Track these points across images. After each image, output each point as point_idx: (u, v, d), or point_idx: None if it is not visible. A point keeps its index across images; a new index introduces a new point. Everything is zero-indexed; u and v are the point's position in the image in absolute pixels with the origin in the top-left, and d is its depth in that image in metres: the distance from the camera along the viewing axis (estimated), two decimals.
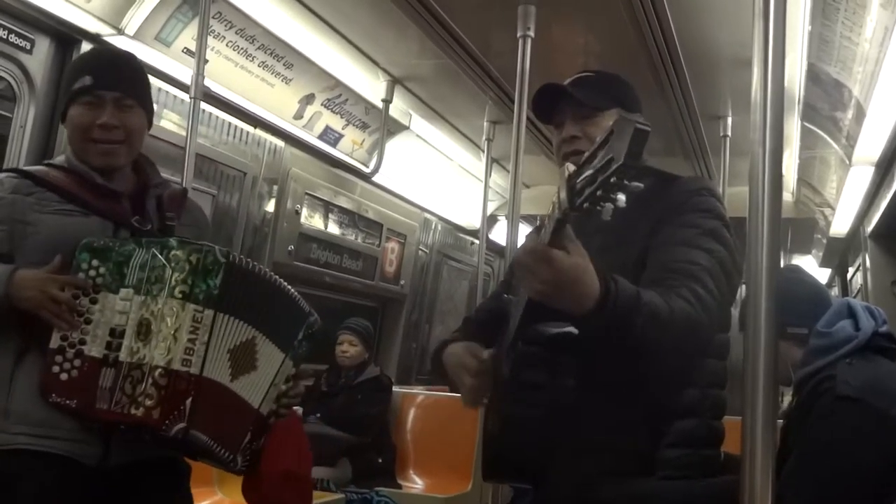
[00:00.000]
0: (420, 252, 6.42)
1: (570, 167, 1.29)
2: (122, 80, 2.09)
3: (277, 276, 2.12)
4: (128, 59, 2.22)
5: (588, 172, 1.23)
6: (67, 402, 1.92)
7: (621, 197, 1.20)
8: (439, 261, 6.81)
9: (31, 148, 3.21)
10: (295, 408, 2.26)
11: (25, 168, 2.12)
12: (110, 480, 1.98)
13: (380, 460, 5.01)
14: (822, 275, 8.00)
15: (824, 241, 6.83)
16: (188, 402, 1.88)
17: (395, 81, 4.61)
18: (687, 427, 1.73)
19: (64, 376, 1.93)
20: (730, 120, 4.76)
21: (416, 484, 5.19)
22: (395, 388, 5.46)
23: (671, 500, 1.70)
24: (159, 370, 1.88)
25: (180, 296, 1.91)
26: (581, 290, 1.43)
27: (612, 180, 1.19)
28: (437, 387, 6.34)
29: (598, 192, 1.21)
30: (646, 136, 1.17)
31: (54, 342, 1.94)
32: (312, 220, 5.06)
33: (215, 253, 1.95)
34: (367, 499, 4.53)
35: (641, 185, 1.21)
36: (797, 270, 2.56)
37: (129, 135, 2.07)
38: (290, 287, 2.13)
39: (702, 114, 4.65)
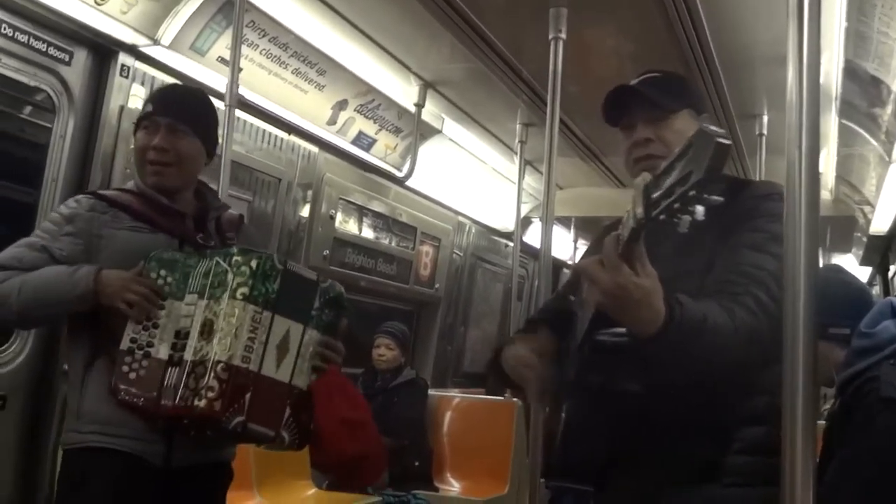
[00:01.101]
0: (454, 255, 6.43)
1: (647, 177, 1.28)
2: (176, 108, 2.28)
3: (321, 277, 2.24)
4: (190, 93, 2.43)
5: (666, 184, 1.22)
6: (135, 399, 2.06)
7: (699, 209, 1.19)
8: (473, 263, 6.81)
9: (71, 158, 3.27)
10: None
11: (100, 191, 2.31)
12: (172, 481, 2.11)
13: (417, 463, 5.01)
14: (863, 273, 7.88)
15: (864, 239, 6.73)
16: (248, 396, 2.02)
17: (427, 86, 4.62)
18: (756, 434, 1.69)
19: (132, 375, 2.07)
20: (765, 118, 4.70)
21: (453, 487, 5.19)
22: (431, 391, 5.47)
23: None
24: (221, 365, 2.01)
25: (241, 297, 2.05)
26: (644, 313, 1.42)
27: (690, 193, 1.18)
28: (472, 389, 6.35)
29: (676, 205, 1.20)
30: (727, 150, 1.16)
31: (124, 344, 2.09)
32: (347, 224, 5.09)
33: (273, 260, 2.11)
34: (404, 502, 4.54)
35: (722, 198, 1.19)
36: (839, 270, 2.53)
37: (180, 158, 2.23)
38: (320, 284, 2.22)
39: (737, 113, 4.60)
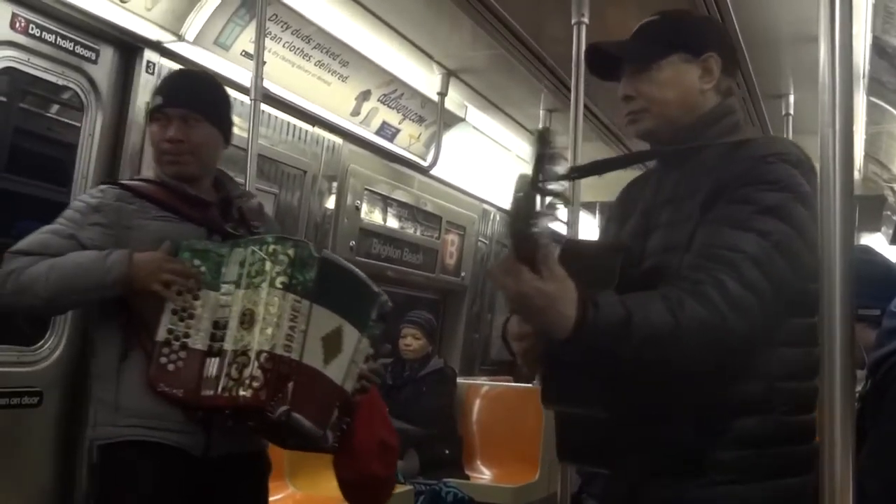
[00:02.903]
0: (480, 243, 6.42)
1: (523, 177, 1.26)
2: (188, 98, 2.26)
3: (359, 272, 2.29)
4: (199, 78, 2.41)
5: (524, 188, 1.24)
6: (174, 391, 2.05)
7: (559, 211, 1.25)
8: (499, 251, 6.79)
9: (100, 155, 3.30)
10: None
11: (124, 182, 2.30)
12: (210, 470, 2.12)
13: (447, 451, 5.03)
14: (893, 253, 7.79)
15: (894, 217, 6.65)
16: (290, 385, 2.02)
17: (449, 74, 4.62)
18: (748, 425, 1.50)
19: (171, 367, 2.06)
20: (792, 98, 4.65)
21: (483, 474, 5.21)
22: (459, 380, 5.48)
23: None
24: (265, 354, 2.01)
25: (281, 286, 2.05)
26: (551, 319, 1.34)
27: (522, 207, 1.22)
28: (500, 377, 6.36)
29: (521, 215, 1.23)
30: (543, 135, 1.18)
31: (161, 335, 2.08)
32: (372, 215, 5.10)
33: (310, 248, 2.13)
34: (435, 490, 4.56)
35: (555, 212, 1.24)
36: (868, 251, 2.51)
37: (196, 148, 2.23)
38: (358, 270, 2.29)
39: (763, 93, 4.56)
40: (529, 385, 5.28)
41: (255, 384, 1.98)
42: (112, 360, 2.12)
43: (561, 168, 1.19)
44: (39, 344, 3.16)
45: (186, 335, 2.07)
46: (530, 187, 1.21)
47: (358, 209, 4.91)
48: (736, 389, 1.50)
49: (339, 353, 2.14)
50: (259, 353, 2.00)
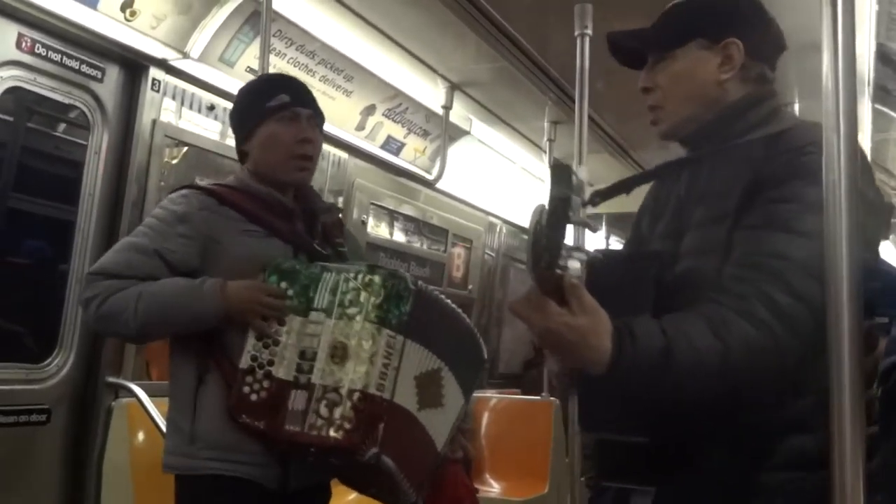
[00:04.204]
0: (486, 256, 6.42)
1: (539, 208, 1.18)
2: (311, 100, 2.21)
3: (461, 311, 2.17)
4: (305, 84, 2.32)
5: (544, 223, 1.14)
6: (256, 423, 1.93)
7: (575, 262, 1.16)
8: (506, 264, 6.79)
9: (106, 173, 3.31)
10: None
11: (208, 187, 2.16)
12: (285, 503, 2.04)
13: None
14: None
15: None
16: (381, 426, 1.88)
17: (454, 87, 4.63)
18: (798, 445, 1.37)
19: (254, 397, 1.94)
20: (797, 106, 4.64)
21: (492, 488, 5.18)
22: None
23: None
24: (357, 394, 1.87)
25: (376, 320, 1.91)
26: (584, 354, 1.23)
27: (543, 243, 1.13)
28: (509, 390, 6.34)
29: (545, 256, 1.13)
30: (563, 170, 1.09)
31: (244, 362, 1.96)
32: (378, 229, 5.11)
33: (406, 280, 2.00)
34: None
35: (581, 259, 1.16)
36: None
37: (317, 152, 2.18)
38: (472, 326, 2.19)
39: None
40: (538, 398, 5.26)
41: (348, 426, 1.84)
42: (188, 383, 2.02)
43: (582, 197, 1.12)
44: (47, 361, 3.17)
45: (270, 363, 1.94)
46: (553, 221, 1.11)
47: (364, 223, 4.92)
48: (785, 406, 1.38)
49: (438, 405, 2.01)
50: (351, 392, 1.86)
